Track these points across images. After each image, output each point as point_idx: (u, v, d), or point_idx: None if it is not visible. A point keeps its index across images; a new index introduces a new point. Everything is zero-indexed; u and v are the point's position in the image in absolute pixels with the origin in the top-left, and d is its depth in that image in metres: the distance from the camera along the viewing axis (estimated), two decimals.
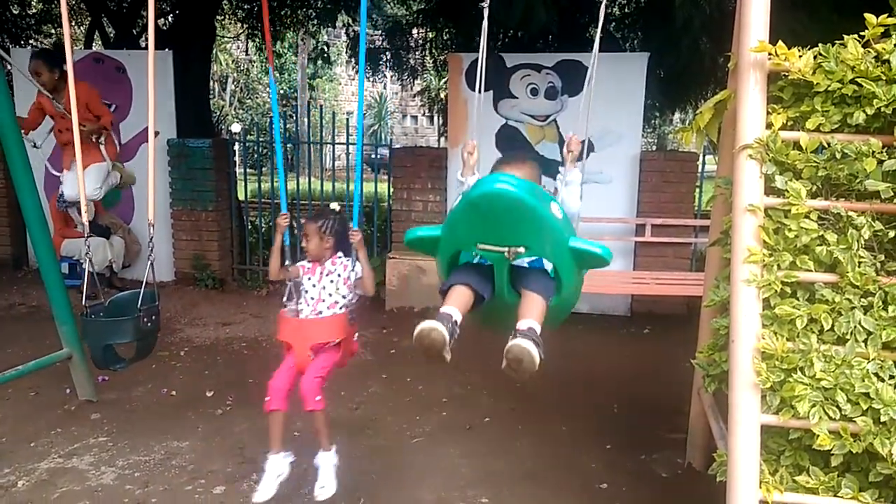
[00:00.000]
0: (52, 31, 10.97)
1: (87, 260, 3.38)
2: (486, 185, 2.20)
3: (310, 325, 3.02)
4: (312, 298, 3.06)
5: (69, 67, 3.10)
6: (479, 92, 2.79)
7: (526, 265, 2.50)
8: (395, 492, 3.27)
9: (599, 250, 2.37)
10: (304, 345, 2.97)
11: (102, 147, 5.27)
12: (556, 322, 2.66)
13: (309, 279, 3.09)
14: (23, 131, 4.17)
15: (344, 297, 3.06)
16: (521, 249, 2.29)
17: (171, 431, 3.81)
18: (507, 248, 2.29)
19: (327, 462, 2.98)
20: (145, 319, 3.28)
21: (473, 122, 6.26)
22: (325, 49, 9.76)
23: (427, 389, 4.50)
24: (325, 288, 3.06)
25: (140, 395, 4.32)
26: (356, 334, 3.17)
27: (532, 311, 2.34)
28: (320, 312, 3.04)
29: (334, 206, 3.27)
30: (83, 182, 3.29)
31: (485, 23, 2.72)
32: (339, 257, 3.09)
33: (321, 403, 2.90)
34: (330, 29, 10.91)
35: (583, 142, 2.75)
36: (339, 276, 3.06)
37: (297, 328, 3.03)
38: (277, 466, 2.92)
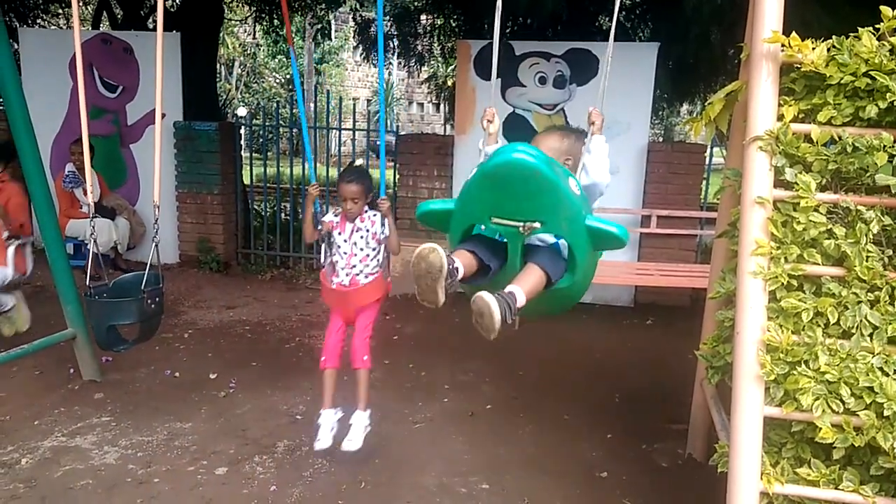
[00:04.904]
0: (60, 10, 10.94)
1: (92, 241, 3.38)
2: (504, 155, 2.12)
3: (353, 294, 3.30)
4: (345, 253, 3.32)
5: (77, 48, 3.08)
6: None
7: (540, 243, 2.46)
8: (398, 477, 3.28)
9: (616, 230, 2.29)
10: (349, 310, 3.34)
11: (10, 253, 4.62)
12: (566, 306, 2.67)
13: (339, 234, 3.33)
14: None
15: (374, 250, 3.32)
16: (537, 225, 2.23)
17: (174, 413, 3.83)
18: (521, 223, 2.23)
19: (359, 421, 3.31)
20: (149, 301, 3.28)
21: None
22: (327, 26, 9.76)
23: (429, 376, 4.51)
24: (356, 243, 3.31)
25: (144, 377, 4.34)
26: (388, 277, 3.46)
27: (524, 282, 2.28)
28: (354, 266, 3.30)
29: (360, 162, 3.46)
30: (89, 158, 3.28)
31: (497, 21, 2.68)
32: (367, 212, 3.34)
33: (368, 363, 3.32)
34: (338, 13, 10.87)
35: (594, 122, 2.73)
36: (367, 231, 3.32)
37: (341, 297, 3.32)
38: (329, 420, 3.31)
